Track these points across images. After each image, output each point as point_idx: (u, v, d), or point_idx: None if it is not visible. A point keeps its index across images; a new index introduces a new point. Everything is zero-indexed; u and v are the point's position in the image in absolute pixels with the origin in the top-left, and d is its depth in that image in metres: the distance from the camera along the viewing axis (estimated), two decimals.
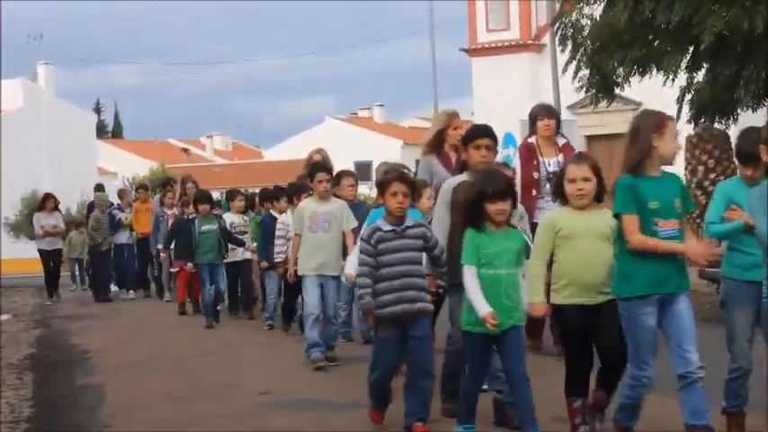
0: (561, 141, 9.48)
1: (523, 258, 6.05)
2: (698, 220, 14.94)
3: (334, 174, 9.99)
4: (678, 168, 10.00)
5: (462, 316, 6.13)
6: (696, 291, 9.40)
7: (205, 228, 13.27)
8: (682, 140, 11.02)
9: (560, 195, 6.04)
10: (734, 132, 16.69)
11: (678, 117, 13.77)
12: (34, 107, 45.41)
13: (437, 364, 6.75)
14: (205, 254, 13.24)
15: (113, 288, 19.35)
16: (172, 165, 45.99)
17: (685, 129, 15.71)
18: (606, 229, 5.84)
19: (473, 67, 35.03)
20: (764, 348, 5.96)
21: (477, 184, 6.11)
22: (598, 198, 5.96)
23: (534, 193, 9.11)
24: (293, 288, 10.57)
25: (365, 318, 6.79)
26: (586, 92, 16.13)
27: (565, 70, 16.35)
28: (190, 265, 13.60)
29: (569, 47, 15.55)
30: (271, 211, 12.66)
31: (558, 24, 15.74)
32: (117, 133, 78.03)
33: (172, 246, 15.05)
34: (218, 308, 13.73)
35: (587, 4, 15.53)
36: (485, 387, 6.48)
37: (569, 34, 15.42)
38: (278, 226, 11.37)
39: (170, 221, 16.06)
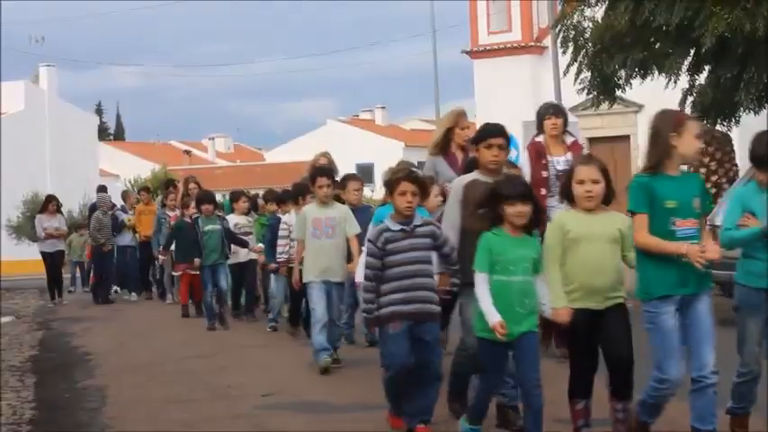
0: (570, 140, 9.40)
1: (541, 266, 5.85)
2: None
3: (338, 178, 9.92)
4: None
5: (475, 322, 6.01)
6: None
7: (208, 228, 13.26)
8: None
9: (567, 196, 5.90)
10: (736, 135, 16.81)
11: None
12: (36, 109, 45.32)
13: (446, 364, 6.70)
14: (207, 255, 13.21)
15: (115, 289, 19.34)
16: (173, 167, 46.07)
17: None
18: (614, 232, 5.75)
19: (475, 68, 34.99)
20: None
21: (497, 185, 5.96)
22: (606, 200, 5.83)
23: (543, 191, 9.05)
24: (299, 292, 10.55)
25: (367, 327, 6.73)
26: (588, 94, 16.15)
27: (566, 72, 16.37)
28: (197, 261, 13.37)
29: (570, 49, 15.58)
30: (278, 213, 12.63)
31: (559, 27, 15.78)
32: (119, 135, 78.05)
33: (172, 247, 15.06)
34: (222, 310, 13.64)
35: (588, 7, 15.56)
36: None
37: (571, 36, 15.46)
38: (281, 226, 11.34)
39: (172, 223, 16.07)
